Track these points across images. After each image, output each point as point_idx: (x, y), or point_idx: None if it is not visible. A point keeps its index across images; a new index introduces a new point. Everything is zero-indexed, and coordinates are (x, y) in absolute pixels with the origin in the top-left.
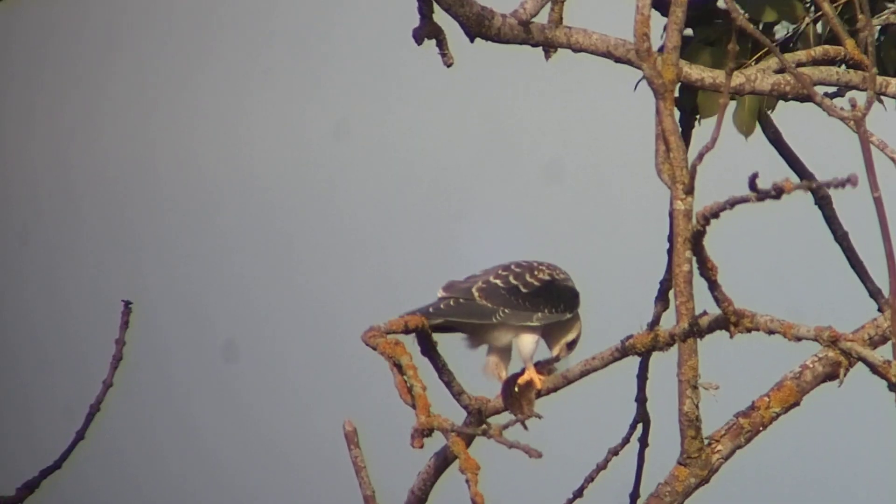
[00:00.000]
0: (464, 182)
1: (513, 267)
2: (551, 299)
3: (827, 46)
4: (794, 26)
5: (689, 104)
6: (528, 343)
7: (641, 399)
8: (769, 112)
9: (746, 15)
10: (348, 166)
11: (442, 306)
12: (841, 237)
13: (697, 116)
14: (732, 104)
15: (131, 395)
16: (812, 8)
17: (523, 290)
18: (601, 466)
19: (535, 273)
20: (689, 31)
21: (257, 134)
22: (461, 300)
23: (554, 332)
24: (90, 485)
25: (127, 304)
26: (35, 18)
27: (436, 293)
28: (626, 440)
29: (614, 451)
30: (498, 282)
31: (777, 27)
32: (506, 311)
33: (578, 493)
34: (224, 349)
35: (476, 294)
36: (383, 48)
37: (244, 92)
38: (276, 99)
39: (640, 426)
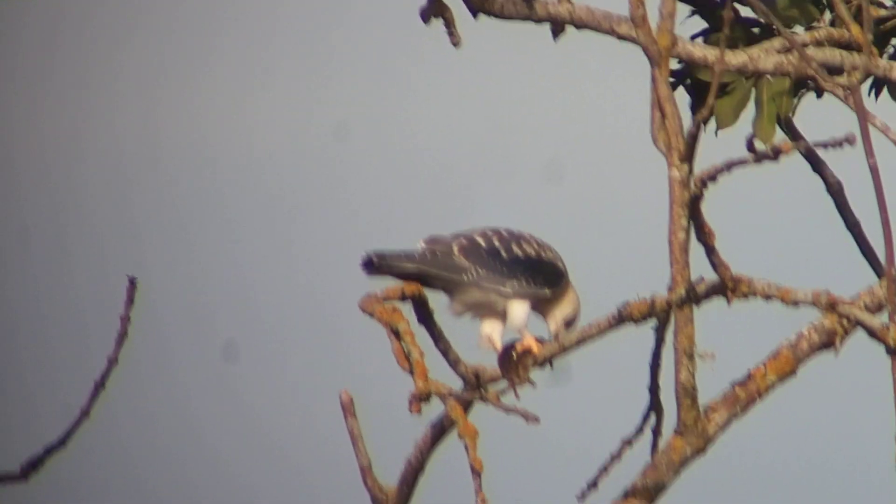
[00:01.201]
0: (464, 178)
1: (502, 232)
2: (530, 272)
3: (831, 29)
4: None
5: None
6: (518, 313)
7: (654, 388)
8: (790, 115)
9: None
10: (348, 164)
11: (417, 255)
12: (852, 225)
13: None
14: (752, 111)
15: (136, 372)
16: (827, 9)
17: (504, 255)
18: (615, 456)
19: (522, 244)
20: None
21: (258, 132)
22: (438, 253)
23: (549, 309)
24: (94, 462)
25: (132, 280)
26: (35, 13)
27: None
28: (640, 430)
29: (628, 442)
30: (481, 241)
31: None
32: (479, 271)
33: (593, 484)
34: (225, 347)
35: (455, 249)
36: (382, 46)
37: (245, 90)
38: (277, 97)
39: (653, 415)
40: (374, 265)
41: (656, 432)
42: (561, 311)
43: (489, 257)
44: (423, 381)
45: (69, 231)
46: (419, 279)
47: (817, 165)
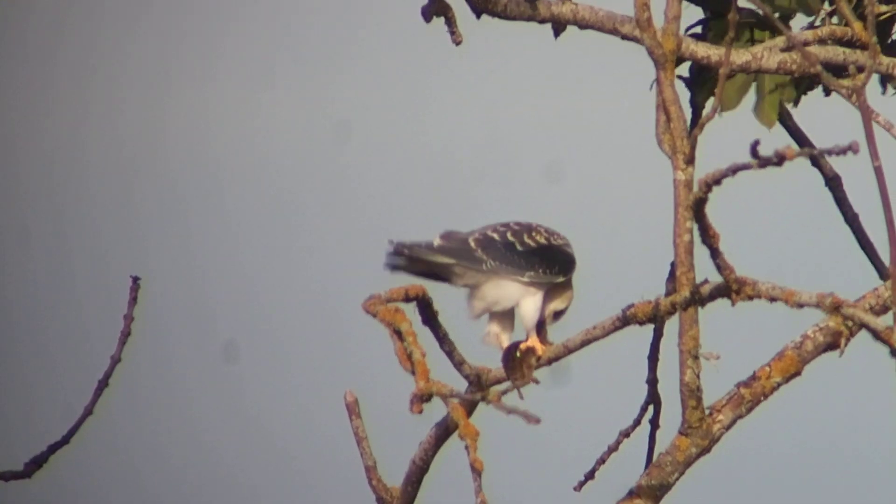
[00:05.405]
0: (466, 179)
1: (512, 225)
2: (546, 260)
3: (834, 26)
4: (811, 18)
5: (706, 94)
6: (530, 310)
7: (652, 380)
8: (790, 105)
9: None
10: (348, 165)
11: (435, 245)
12: (851, 219)
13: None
14: (753, 95)
15: (139, 370)
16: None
17: (519, 248)
18: (612, 448)
19: (533, 234)
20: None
21: (257, 132)
22: (455, 245)
23: (546, 297)
24: (98, 460)
25: (135, 279)
26: (37, 12)
27: (432, 240)
28: (638, 422)
29: (625, 434)
30: (495, 236)
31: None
32: (497, 262)
33: (590, 475)
34: (226, 347)
35: (472, 243)
36: (381, 47)
37: (247, 90)
38: (279, 97)
39: (651, 408)
40: (402, 254)
41: (654, 424)
42: (555, 303)
43: (505, 250)
44: (425, 381)
45: (71, 230)
46: (437, 275)
47: (815, 159)
